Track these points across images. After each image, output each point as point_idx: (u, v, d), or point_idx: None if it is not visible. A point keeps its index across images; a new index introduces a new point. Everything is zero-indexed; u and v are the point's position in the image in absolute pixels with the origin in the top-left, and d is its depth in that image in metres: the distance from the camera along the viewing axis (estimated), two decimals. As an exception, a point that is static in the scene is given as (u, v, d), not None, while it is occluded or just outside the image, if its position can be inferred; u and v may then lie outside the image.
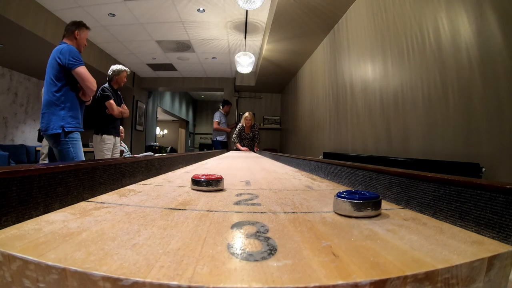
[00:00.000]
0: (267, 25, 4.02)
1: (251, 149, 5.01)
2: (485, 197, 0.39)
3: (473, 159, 1.39)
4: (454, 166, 1.45)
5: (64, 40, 2.20)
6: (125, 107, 3.07)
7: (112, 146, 2.94)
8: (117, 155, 3.06)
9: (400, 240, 0.33)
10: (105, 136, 2.87)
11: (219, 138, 5.62)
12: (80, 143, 2.14)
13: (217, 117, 5.69)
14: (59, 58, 2.02)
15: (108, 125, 2.90)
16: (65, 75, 2.05)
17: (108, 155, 2.89)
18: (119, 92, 3.10)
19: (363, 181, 0.73)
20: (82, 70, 2.06)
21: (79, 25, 2.24)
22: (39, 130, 3.75)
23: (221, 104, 6.00)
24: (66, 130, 2.04)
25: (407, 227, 0.39)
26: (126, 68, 3.06)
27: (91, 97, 2.28)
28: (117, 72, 2.97)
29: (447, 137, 1.60)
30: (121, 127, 4.67)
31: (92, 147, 5.76)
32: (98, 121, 2.89)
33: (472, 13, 1.44)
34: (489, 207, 0.38)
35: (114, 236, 0.31)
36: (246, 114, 4.96)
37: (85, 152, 6.39)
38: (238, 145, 4.96)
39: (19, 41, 4.19)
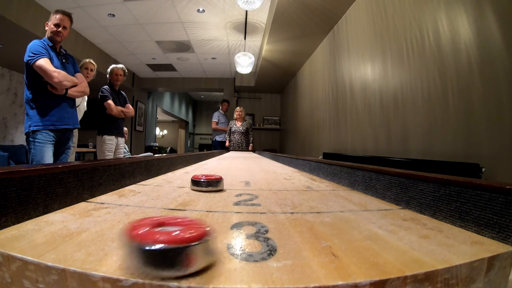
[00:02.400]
0: (267, 25, 4.03)
1: (244, 146, 5.05)
2: (485, 198, 0.39)
3: (473, 160, 1.39)
4: (453, 166, 1.45)
5: None
6: (130, 106, 3.06)
7: (114, 147, 2.92)
8: (121, 155, 3.05)
9: (399, 241, 0.33)
10: (105, 136, 2.86)
11: (218, 138, 5.60)
12: (45, 145, 1.97)
13: (215, 117, 5.68)
14: (25, 57, 1.92)
15: (109, 125, 2.89)
16: (31, 73, 1.94)
17: (109, 155, 2.87)
18: (122, 92, 3.10)
19: (363, 182, 0.73)
20: (40, 63, 1.89)
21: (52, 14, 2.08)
22: None
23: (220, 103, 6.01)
24: (31, 129, 1.94)
25: (407, 228, 0.39)
26: (116, 65, 3.00)
27: (66, 90, 2.05)
28: (110, 73, 2.97)
29: (446, 137, 1.60)
30: (125, 128, 4.65)
31: (91, 147, 5.78)
32: (99, 122, 2.89)
33: (471, 13, 1.44)
34: (489, 208, 0.38)
35: (114, 237, 0.31)
36: (237, 107, 5.28)
37: (84, 153, 6.37)
38: (227, 141, 5.08)
39: (19, 41, 4.19)
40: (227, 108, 5.86)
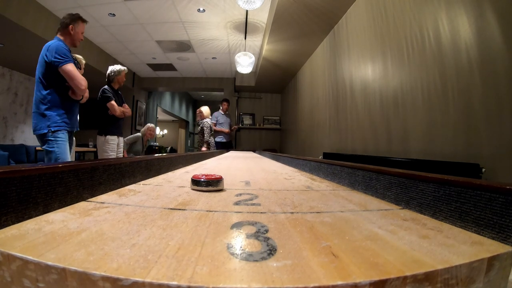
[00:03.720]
0: (267, 25, 4.03)
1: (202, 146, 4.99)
2: (485, 198, 0.39)
3: (473, 160, 1.39)
4: (454, 166, 1.45)
5: (58, 35, 2.07)
6: (127, 106, 3.08)
7: (116, 147, 2.96)
8: (121, 155, 3.08)
9: (399, 241, 0.33)
10: (108, 137, 2.88)
11: (218, 139, 5.52)
12: (66, 143, 2.04)
13: (213, 118, 5.53)
14: (45, 55, 1.92)
15: (111, 125, 2.91)
16: (52, 73, 1.95)
17: (112, 155, 2.90)
18: (119, 92, 3.11)
19: (363, 182, 0.73)
20: (70, 68, 1.94)
21: (74, 18, 2.10)
22: None
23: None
24: (52, 130, 1.96)
25: (407, 228, 0.39)
26: (125, 68, 3.07)
27: (83, 96, 2.16)
28: (118, 73, 2.99)
29: (447, 137, 1.60)
30: (151, 125, 4.54)
31: (92, 147, 5.78)
32: (101, 122, 2.90)
33: (472, 13, 1.44)
34: (489, 208, 0.38)
35: (114, 236, 0.31)
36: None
37: (85, 152, 6.38)
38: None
39: (19, 41, 4.19)
40: (227, 108, 5.73)
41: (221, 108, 5.70)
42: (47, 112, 1.96)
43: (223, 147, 5.40)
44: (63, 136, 2.01)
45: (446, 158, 1.58)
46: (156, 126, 9.30)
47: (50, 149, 1.96)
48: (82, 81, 2.00)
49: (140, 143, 4.40)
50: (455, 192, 0.44)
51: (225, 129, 5.54)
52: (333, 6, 3.02)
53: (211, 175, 0.67)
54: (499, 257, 0.28)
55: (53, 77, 1.96)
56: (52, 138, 1.96)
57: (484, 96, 1.37)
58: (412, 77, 1.93)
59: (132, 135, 4.45)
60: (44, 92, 1.95)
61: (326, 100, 3.77)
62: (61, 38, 2.06)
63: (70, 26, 2.08)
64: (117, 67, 3.01)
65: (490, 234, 0.36)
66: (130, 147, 4.28)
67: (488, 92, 1.35)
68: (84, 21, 2.15)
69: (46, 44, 1.99)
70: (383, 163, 2.02)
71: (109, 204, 0.49)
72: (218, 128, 5.49)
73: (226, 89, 7.52)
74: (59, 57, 1.91)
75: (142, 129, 4.52)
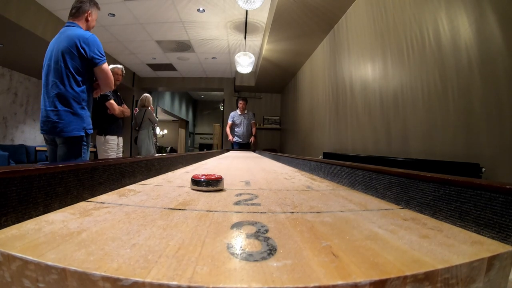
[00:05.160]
0: (267, 25, 4.02)
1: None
2: (485, 197, 0.39)
3: (473, 159, 1.39)
4: (454, 166, 1.45)
5: (73, 21, 1.81)
6: (126, 106, 3.08)
7: (116, 146, 2.95)
8: (120, 155, 3.08)
9: (399, 240, 0.33)
10: (108, 137, 2.87)
11: (234, 139, 5.38)
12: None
13: (230, 118, 5.28)
14: (83, 48, 1.69)
15: (111, 125, 2.90)
16: (88, 70, 1.76)
17: (112, 155, 2.89)
18: (118, 93, 3.11)
19: (363, 181, 0.73)
20: (107, 67, 1.79)
21: (92, 3, 1.85)
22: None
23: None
24: (89, 133, 1.78)
25: (407, 227, 0.39)
26: (116, 65, 2.99)
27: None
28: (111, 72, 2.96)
29: (447, 137, 1.60)
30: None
31: (91, 147, 5.77)
32: (100, 122, 2.89)
33: (472, 13, 1.44)
34: (488, 207, 0.38)
35: (114, 236, 0.31)
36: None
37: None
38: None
39: (19, 41, 4.19)
40: (243, 107, 5.19)
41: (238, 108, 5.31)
42: (81, 112, 1.75)
43: (241, 147, 5.22)
44: (89, 140, 1.85)
45: (446, 158, 1.58)
46: (156, 126, 9.26)
47: (78, 153, 1.76)
48: (113, 79, 1.86)
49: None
50: (455, 192, 0.44)
51: (230, 135, 5.24)
52: (333, 6, 3.02)
53: (211, 175, 0.68)
54: (499, 256, 0.28)
55: (88, 74, 1.78)
56: (85, 143, 1.78)
57: (484, 96, 1.37)
58: (412, 77, 1.93)
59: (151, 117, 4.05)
60: (78, 89, 1.73)
61: (326, 100, 3.76)
62: (80, 26, 1.81)
63: (88, 11, 1.84)
64: (110, 66, 2.98)
65: (490, 233, 0.36)
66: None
67: (488, 92, 1.35)
68: (99, 8, 1.93)
69: (77, 32, 1.73)
70: (383, 163, 2.02)
71: (109, 204, 0.49)
72: (228, 131, 5.26)
73: (226, 89, 7.52)
74: (100, 55, 1.75)
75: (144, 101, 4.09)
